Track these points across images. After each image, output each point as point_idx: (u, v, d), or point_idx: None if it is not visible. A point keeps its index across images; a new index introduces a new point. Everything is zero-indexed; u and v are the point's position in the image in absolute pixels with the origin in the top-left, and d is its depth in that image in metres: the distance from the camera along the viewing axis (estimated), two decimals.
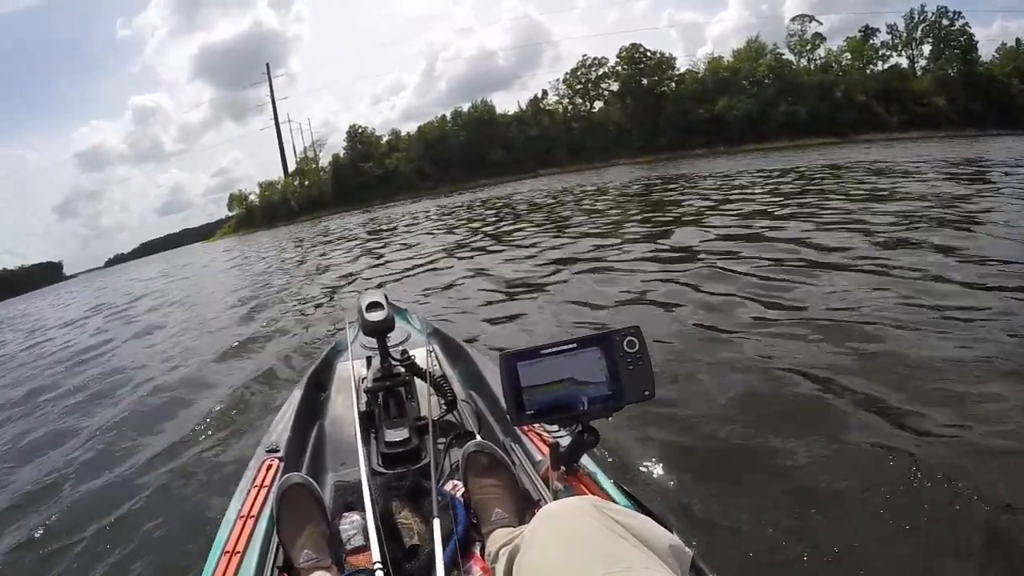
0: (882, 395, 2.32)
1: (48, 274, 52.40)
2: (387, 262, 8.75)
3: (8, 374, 6.57)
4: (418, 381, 1.84)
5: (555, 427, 1.38)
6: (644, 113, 41.67)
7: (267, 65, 51.19)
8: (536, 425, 1.44)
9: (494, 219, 13.01)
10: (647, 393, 1.07)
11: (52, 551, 2.13)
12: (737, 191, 11.84)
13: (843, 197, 8.81)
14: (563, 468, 1.22)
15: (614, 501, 1.14)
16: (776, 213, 7.70)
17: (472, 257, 7.55)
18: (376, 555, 1.04)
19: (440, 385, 1.81)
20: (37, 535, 2.27)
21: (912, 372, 2.47)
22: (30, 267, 54.98)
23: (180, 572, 1.77)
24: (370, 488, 1.24)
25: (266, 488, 1.35)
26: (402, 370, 1.80)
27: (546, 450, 1.30)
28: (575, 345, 1.07)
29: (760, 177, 14.31)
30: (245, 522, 1.23)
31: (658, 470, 1.98)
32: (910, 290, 3.60)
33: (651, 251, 6.15)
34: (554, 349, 1.07)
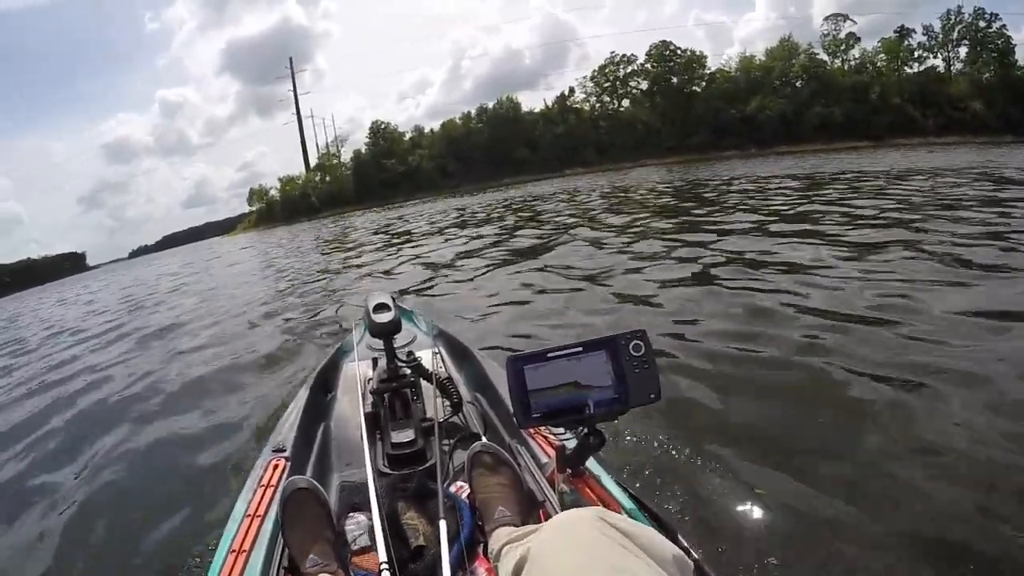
0: (908, 400, 2.24)
1: (72, 264, 53.57)
2: (406, 263, 8.60)
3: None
4: (424, 383, 1.84)
5: (560, 429, 1.38)
6: (674, 112, 41.27)
7: (290, 59, 51.67)
8: (542, 427, 1.43)
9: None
10: (653, 396, 1.07)
11: (55, 549, 2.12)
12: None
13: None
14: (569, 470, 1.22)
15: (619, 504, 1.15)
16: None
17: (496, 262, 7.22)
18: (382, 556, 1.05)
19: (446, 387, 1.79)
20: (40, 533, 2.26)
21: (936, 384, 2.34)
22: (54, 257, 56.27)
23: (187, 570, 1.78)
24: (376, 489, 1.25)
25: (272, 488, 1.35)
26: (408, 372, 1.80)
27: (551, 452, 1.30)
28: (581, 349, 1.07)
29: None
30: (251, 521, 1.24)
31: (662, 473, 1.94)
32: None
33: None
34: (560, 352, 1.07)
